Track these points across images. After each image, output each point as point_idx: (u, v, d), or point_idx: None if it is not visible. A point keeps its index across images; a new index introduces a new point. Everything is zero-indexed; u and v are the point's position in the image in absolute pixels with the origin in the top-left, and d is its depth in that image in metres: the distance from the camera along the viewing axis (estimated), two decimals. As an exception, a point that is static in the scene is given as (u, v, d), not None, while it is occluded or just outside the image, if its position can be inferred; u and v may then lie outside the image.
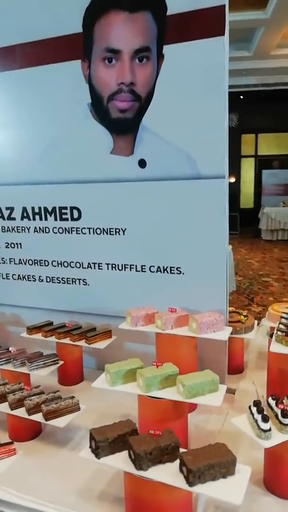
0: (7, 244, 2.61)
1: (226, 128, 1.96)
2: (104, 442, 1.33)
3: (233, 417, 1.82)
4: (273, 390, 1.85)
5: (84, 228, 2.36)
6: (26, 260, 2.58)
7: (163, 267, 2.22)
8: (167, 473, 1.25)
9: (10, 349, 2.22)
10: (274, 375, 1.88)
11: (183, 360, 1.90)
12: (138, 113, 2.09)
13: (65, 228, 2.41)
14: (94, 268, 2.40)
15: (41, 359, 2.08)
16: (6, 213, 2.55)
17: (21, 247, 2.57)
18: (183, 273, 2.18)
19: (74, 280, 2.47)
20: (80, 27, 2.10)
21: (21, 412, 1.77)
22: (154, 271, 2.24)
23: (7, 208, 2.55)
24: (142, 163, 2.14)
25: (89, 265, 2.41)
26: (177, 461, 1.27)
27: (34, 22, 2.17)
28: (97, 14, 2.05)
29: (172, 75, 1.98)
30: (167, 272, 2.21)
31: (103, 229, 2.32)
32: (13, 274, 2.64)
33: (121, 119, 2.12)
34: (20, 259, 2.59)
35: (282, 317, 1.97)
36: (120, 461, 1.33)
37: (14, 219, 2.54)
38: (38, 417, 1.74)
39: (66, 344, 2.27)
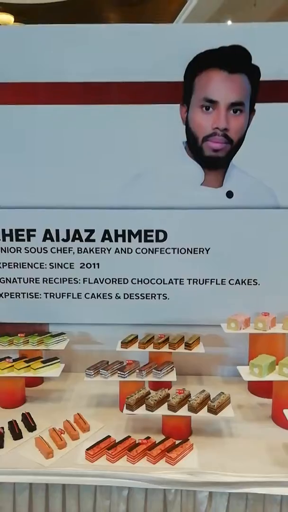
0: (82, 264, 2.70)
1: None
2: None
3: None
4: None
5: (169, 248, 2.66)
6: (103, 279, 2.72)
7: (242, 279, 2.68)
8: None
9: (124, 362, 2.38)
10: None
11: (278, 353, 2.38)
12: (229, 154, 2.53)
13: (149, 249, 2.66)
14: (175, 283, 2.70)
15: (164, 367, 2.32)
16: (85, 235, 2.66)
17: (98, 267, 2.70)
18: (258, 284, 2.67)
19: (153, 295, 2.72)
20: (182, 77, 2.45)
21: (184, 411, 2.02)
22: (233, 284, 2.68)
23: (86, 230, 2.66)
24: (229, 194, 2.58)
25: (170, 281, 2.70)
26: None
27: (139, 65, 2.42)
28: (199, 69, 2.44)
29: (261, 127, 2.48)
30: (245, 284, 2.68)
31: (188, 249, 2.65)
32: (85, 294, 2.74)
33: (214, 157, 2.53)
34: (96, 279, 2.72)
35: None
36: None
37: (93, 240, 2.67)
38: (203, 412, 2.02)
39: (162, 353, 2.53)
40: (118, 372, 2.29)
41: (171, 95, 2.47)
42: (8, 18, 6.88)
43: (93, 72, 2.44)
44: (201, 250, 2.66)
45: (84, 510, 1.81)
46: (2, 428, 2.06)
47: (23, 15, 7.59)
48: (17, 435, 2.04)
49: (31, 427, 2.12)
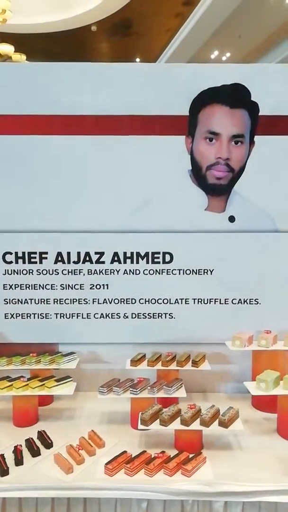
0: (92, 285, 2.81)
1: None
2: None
3: None
4: None
5: (175, 269, 2.80)
6: (112, 299, 2.83)
7: (244, 299, 2.82)
8: None
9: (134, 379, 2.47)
10: None
11: (280, 369, 2.51)
12: (231, 181, 2.71)
13: (156, 270, 2.80)
14: (181, 303, 2.83)
15: (173, 384, 2.42)
16: (95, 257, 2.79)
17: (107, 288, 2.82)
18: (259, 303, 2.82)
19: (160, 314, 2.84)
20: (187, 111, 2.65)
21: (196, 425, 2.11)
22: (235, 303, 2.83)
23: (96, 253, 2.79)
24: (231, 219, 2.76)
25: (176, 301, 2.83)
26: None
27: (148, 100, 2.62)
28: (203, 104, 2.64)
29: (260, 157, 2.68)
30: (247, 303, 2.83)
31: (193, 270, 2.80)
32: (95, 314, 2.84)
33: (217, 185, 2.71)
34: (105, 299, 2.83)
35: None
36: None
37: (103, 262, 2.79)
38: (214, 426, 2.11)
39: (169, 370, 2.63)
40: (131, 389, 2.38)
41: (177, 128, 2.66)
42: (9, 48, 7.15)
43: (105, 106, 2.62)
44: (205, 271, 2.80)
45: (104, 524, 1.87)
46: (20, 445, 2.12)
47: (21, 45, 7.89)
48: (35, 452, 2.10)
49: (48, 444, 2.18)
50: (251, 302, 2.82)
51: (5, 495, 1.86)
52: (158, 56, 12.72)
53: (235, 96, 2.63)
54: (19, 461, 2.02)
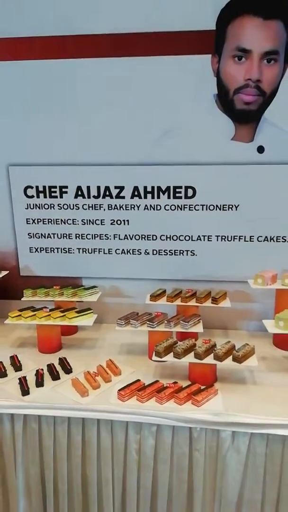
0: (112, 221, 2.78)
1: None
2: None
3: None
4: None
5: (198, 205, 2.68)
6: (133, 235, 2.79)
7: (270, 236, 2.68)
8: None
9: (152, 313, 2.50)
10: None
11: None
12: (261, 106, 2.46)
13: (178, 206, 2.70)
14: (203, 240, 2.74)
15: (191, 319, 2.42)
16: (115, 191, 2.72)
17: (128, 224, 2.77)
18: (287, 241, 2.67)
19: (182, 251, 2.79)
20: (214, 25, 2.36)
21: (210, 359, 2.13)
22: (261, 241, 2.70)
23: (116, 187, 2.71)
24: (260, 149, 2.54)
25: (198, 238, 2.75)
26: None
27: (167, 13, 2.35)
28: (232, 16, 2.34)
29: (295, 77, 2.39)
30: (273, 241, 2.69)
31: (217, 205, 2.67)
32: (116, 249, 2.83)
33: (246, 111, 2.47)
34: (126, 235, 2.80)
35: None
36: None
37: (123, 197, 2.72)
38: (228, 361, 2.12)
39: (189, 306, 2.63)
40: (148, 322, 2.41)
41: (202, 45, 2.39)
42: None
43: (118, 23, 2.38)
44: (230, 206, 2.66)
45: (116, 443, 1.99)
46: (42, 369, 2.25)
47: None
48: (55, 376, 2.23)
49: (68, 369, 2.30)
50: (278, 240, 2.68)
51: (26, 412, 2.01)
52: None
53: (269, 4, 2.30)
54: (39, 383, 2.16)
